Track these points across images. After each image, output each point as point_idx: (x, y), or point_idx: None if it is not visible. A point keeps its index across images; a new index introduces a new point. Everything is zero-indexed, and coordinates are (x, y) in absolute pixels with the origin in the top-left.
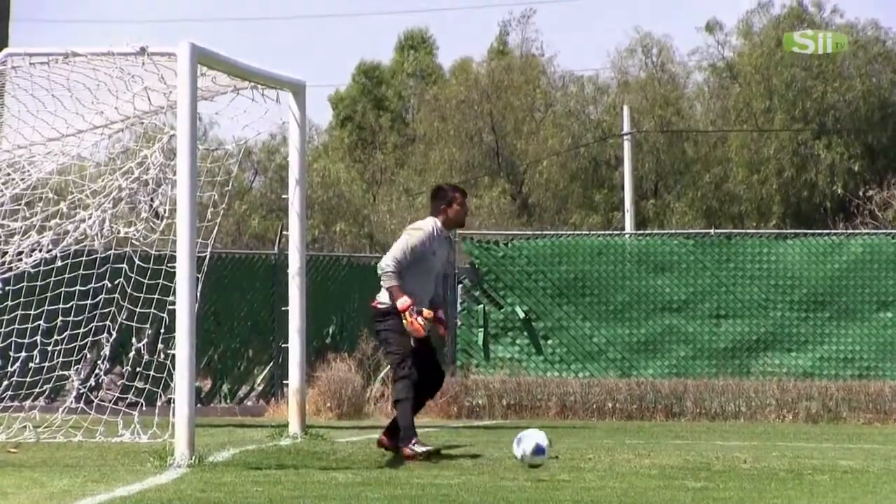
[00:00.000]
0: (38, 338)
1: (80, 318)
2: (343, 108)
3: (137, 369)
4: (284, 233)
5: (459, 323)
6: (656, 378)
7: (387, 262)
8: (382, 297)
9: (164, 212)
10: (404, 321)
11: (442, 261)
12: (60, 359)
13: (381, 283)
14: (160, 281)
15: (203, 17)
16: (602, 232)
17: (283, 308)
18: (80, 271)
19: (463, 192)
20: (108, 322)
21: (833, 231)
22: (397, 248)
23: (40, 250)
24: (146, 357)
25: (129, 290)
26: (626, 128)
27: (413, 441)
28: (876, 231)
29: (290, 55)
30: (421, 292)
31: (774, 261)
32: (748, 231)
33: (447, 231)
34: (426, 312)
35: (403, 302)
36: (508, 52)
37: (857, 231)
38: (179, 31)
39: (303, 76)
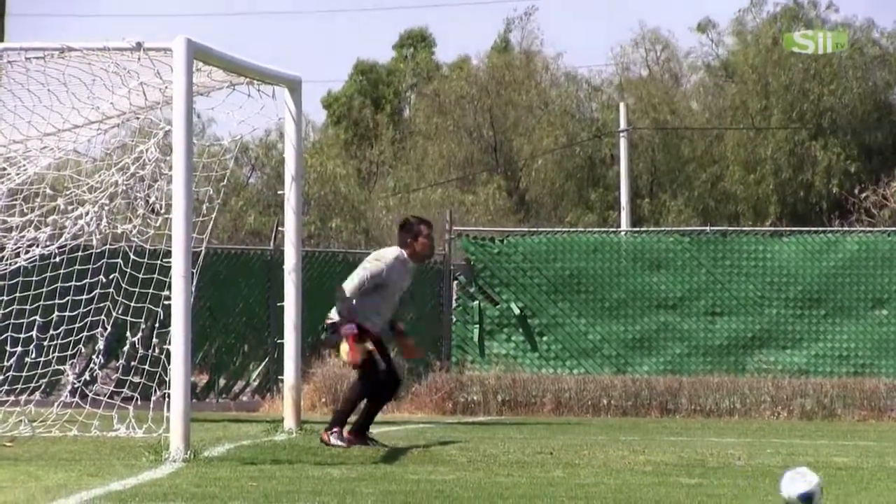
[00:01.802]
0: (33, 332)
1: (75, 312)
2: (338, 108)
3: (132, 363)
4: (280, 229)
5: (455, 319)
6: (651, 375)
7: (344, 285)
8: (333, 314)
9: (161, 207)
10: (342, 346)
11: (401, 289)
12: (55, 353)
13: (336, 303)
14: (156, 276)
15: (199, 12)
16: (598, 229)
17: (278, 304)
18: (76, 266)
19: (429, 224)
20: (103, 317)
21: (828, 229)
22: (356, 276)
23: (38, 246)
24: (141, 352)
25: (124, 285)
26: (623, 125)
27: (335, 431)
28: (871, 229)
29: (286, 52)
30: (379, 316)
31: (770, 258)
32: (744, 228)
33: (413, 262)
34: (369, 345)
35: (349, 329)
36: (511, 50)
37: (852, 229)
38: (175, 26)
39: (299, 73)
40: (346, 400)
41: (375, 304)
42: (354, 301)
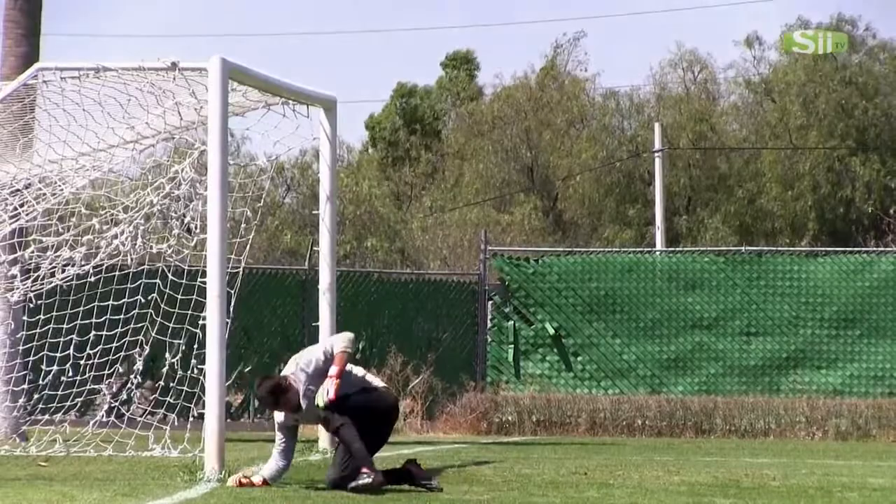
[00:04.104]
0: (70, 351)
1: (112, 332)
2: (380, 131)
3: (171, 384)
4: (315, 248)
5: (489, 339)
6: (686, 395)
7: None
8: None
9: (196, 227)
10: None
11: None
12: (92, 373)
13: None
14: (192, 296)
15: (237, 32)
16: (633, 249)
17: (313, 323)
18: (113, 286)
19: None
20: (140, 337)
21: (864, 249)
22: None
23: (73, 266)
24: (180, 372)
25: (161, 305)
26: (658, 144)
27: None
28: None
29: (326, 73)
30: None
31: (805, 278)
32: (779, 249)
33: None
34: None
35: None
36: (557, 72)
37: (887, 249)
38: (210, 46)
39: (339, 94)
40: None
41: None
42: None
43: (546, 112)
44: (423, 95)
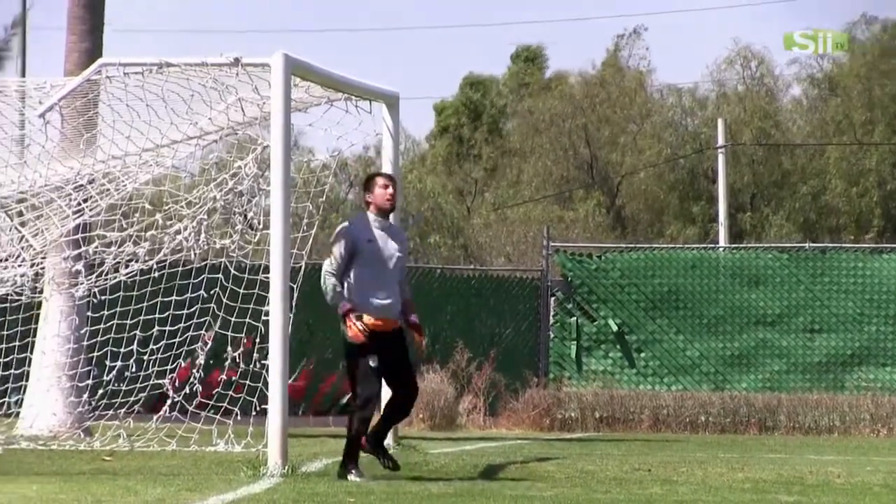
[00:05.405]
0: (133, 347)
1: (175, 327)
2: (445, 118)
3: (234, 379)
4: None
5: (552, 335)
6: (750, 392)
7: (323, 272)
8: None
9: (259, 223)
10: (342, 328)
11: (389, 250)
12: (155, 368)
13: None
14: (255, 291)
15: (305, 27)
16: (696, 245)
17: None
18: (176, 281)
19: (387, 176)
20: (203, 332)
21: None
22: (327, 258)
23: (136, 261)
24: (242, 367)
25: (224, 300)
26: (721, 140)
27: (350, 469)
28: None
29: (396, 65)
30: (374, 283)
31: (869, 275)
32: (843, 245)
33: (383, 219)
34: (367, 319)
35: (343, 307)
36: (620, 68)
37: None
38: (280, 40)
39: (409, 87)
40: (347, 440)
41: (364, 272)
42: (346, 284)
43: (605, 108)
44: (485, 90)
